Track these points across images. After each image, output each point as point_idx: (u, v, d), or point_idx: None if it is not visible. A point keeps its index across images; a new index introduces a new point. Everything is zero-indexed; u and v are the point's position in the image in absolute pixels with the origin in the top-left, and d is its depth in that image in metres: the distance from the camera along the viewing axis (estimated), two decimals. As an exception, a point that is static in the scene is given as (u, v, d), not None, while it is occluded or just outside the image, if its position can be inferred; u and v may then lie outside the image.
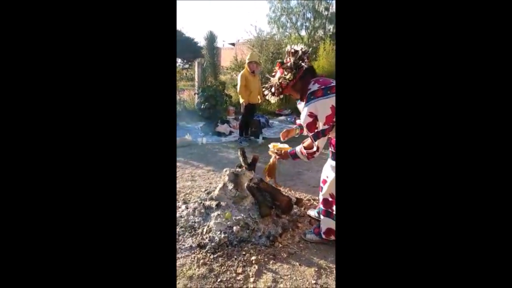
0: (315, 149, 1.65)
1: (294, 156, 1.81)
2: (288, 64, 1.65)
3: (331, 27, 10.36)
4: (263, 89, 1.82)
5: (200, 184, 2.89)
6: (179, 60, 17.93)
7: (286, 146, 2.03)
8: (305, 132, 1.74)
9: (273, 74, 1.78)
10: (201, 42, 8.34)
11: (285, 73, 1.65)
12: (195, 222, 2.06)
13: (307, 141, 1.78)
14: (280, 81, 1.67)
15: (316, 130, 1.58)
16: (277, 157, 2.00)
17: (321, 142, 1.62)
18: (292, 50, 1.66)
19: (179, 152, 3.96)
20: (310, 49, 1.73)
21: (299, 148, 1.78)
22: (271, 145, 2.10)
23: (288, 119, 6.70)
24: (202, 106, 5.71)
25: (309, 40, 9.91)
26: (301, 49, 1.64)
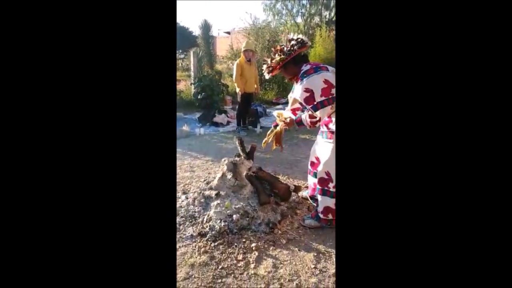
0: (317, 118, 1.86)
1: (300, 123, 1.98)
2: (284, 49, 1.91)
3: (327, 14, 10.20)
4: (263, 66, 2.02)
5: (199, 175, 2.91)
6: (174, 50, 17.66)
7: (289, 113, 2.14)
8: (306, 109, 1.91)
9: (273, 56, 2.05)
10: (196, 31, 8.19)
11: (277, 54, 1.93)
12: (195, 211, 2.08)
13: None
14: (271, 61, 1.95)
15: (314, 103, 1.77)
16: (284, 125, 2.13)
17: (321, 113, 1.79)
18: (290, 38, 1.93)
19: (177, 143, 3.96)
20: (308, 43, 1.93)
21: (304, 116, 1.94)
22: (275, 113, 2.24)
23: (286, 108, 6.67)
24: (198, 96, 5.67)
25: (305, 27, 9.77)
26: (297, 39, 1.90)
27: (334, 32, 7.28)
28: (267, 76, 2.03)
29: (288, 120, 2.08)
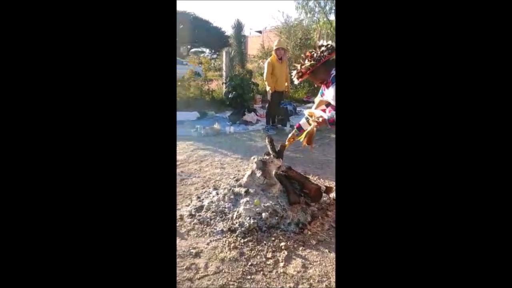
0: None
1: (332, 123, 1.99)
2: (314, 55, 1.99)
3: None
4: (293, 71, 2.07)
5: (228, 172, 2.95)
6: (207, 51, 18.14)
7: (321, 113, 2.12)
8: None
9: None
10: (229, 31, 8.31)
11: (307, 60, 2.00)
12: (225, 207, 2.12)
13: None
14: (301, 67, 2.02)
15: None
16: (317, 125, 2.13)
17: None
18: (320, 45, 2.01)
19: (208, 141, 4.06)
20: None
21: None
22: (306, 112, 2.23)
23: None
24: (229, 95, 5.76)
25: (339, 24, 9.46)
26: (327, 45, 1.96)
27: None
28: (296, 82, 2.11)
29: (320, 119, 2.07)
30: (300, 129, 2.29)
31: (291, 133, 2.35)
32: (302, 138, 2.23)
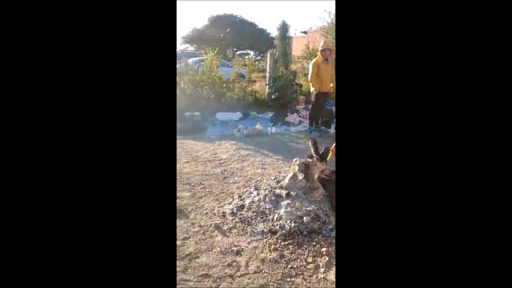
0: None
1: None
2: None
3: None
4: None
5: (269, 172, 2.97)
6: (251, 53, 18.46)
7: None
8: None
9: None
10: (274, 32, 8.35)
11: None
12: (266, 208, 2.14)
13: None
14: None
15: None
16: None
17: None
18: None
19: (250, 141, 4.12)
20: None
21: None
22: None
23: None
24: (272, 96, 5.79)
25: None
26: None
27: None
28: None
29: None
30: None
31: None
32: None
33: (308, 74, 4.60)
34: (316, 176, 2.18)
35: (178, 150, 3.65)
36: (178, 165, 3.11)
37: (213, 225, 1.97)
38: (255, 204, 2.20)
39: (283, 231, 1.87)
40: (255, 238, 1.84)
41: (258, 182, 2.71)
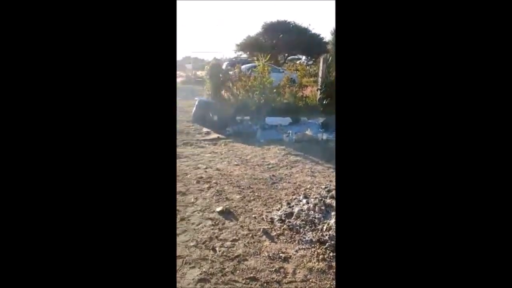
0: None
1: None
2: None
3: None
4: None
5: (319, 181, 2.90)
6: (303, 57, 18.34)
7: None
8: None
9: None
10: (327, 37, 8.18)
11: None
12: (315, 217, 2.09)
13: None
14: None
15: None
16: None
17: None
18: None
19: (299, 146, 4.08)
20: None
21: None
22: None
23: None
24: (324, 102, 5.66)
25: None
26: None
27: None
28: None
29: None
30: None
31: None
32: None
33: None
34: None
35: (229, 153, 3.80)
36: (228, 167, 3.23)
37: (261, 230, 2.00)
38: (304, 212, 2.17)
39: (333, 242, 1.81)
40: (303, 247, 1.81)
41: (307, 190, 2.67)
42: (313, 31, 17.96)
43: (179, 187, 2.65)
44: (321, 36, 17.40)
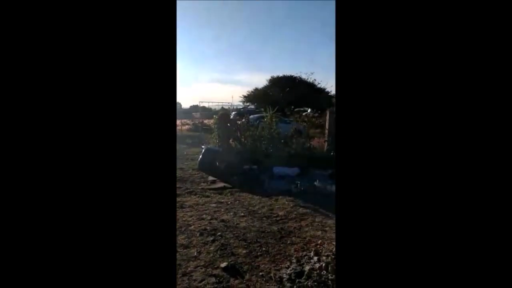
0: None
1: None
2: None
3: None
4: None
5: (331, 236, 2.73)
6: (308, 110, 19.01)
7: None
8: None
9: None
10: (332, 91, 8.54)
11: None
12: (328, 279, 1.91)
13: None
14: None
15: None
16: None
17: None
18: None
19: (308, 198, 3.95)
20: None
21: None
22: None
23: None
24: (331, 153, 5.65)
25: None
26: None
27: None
28: None
29: None
30: None
31: None
32: None
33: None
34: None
35: (235, 203, 3.68)
36: (234, 219, 3.10)
37: (269, 290, 1.81)
38: (315, 272, 1.99)
39: (350, 311, 1.62)
40: (316, 314, 1.62)
41: (318, 246, 2.49)
42: (318, 86, 18.90)
43: (181, 239, 2.52)
44: (326, 89, 18.25)
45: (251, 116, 8.72)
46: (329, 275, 1.94)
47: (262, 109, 7.55)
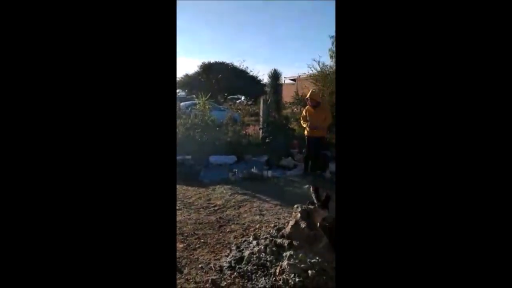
0: None
1: None
2: None
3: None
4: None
5: (268, 219, 2.83)
6: (242, 97, 19.19)
7: None
8: None
9: None
10: (264, 79, 8.76)
11: None
12: (267, 260, 1.98)
13: None
14: None
15: None
16: None
17: None
18: None
19: (246, 185, 4.02)
20: None
21: None
22: None
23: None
24: (266, 140, 5.84)
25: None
26: None
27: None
28: None
29: None
30: None
31: None
32: None
33: (300, 119, 4.75)
34: (319, 224, 2.08)
35: (171, 196, 3.50)
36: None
37: (209, 281, 1.79)
38: (255, 256, 2.04)
39: (287, 287, 1.71)
40: (257, 297, 1.66)
41: (257, 230, 2.56)
42: (251, 74, 19.14)
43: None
44: (259, 78, 18.61)
45: (182, 104, 8.30)
46: (267, 256, 2.01)
47: (194, 96, 7.26)
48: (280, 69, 9.14)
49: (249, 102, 14.44)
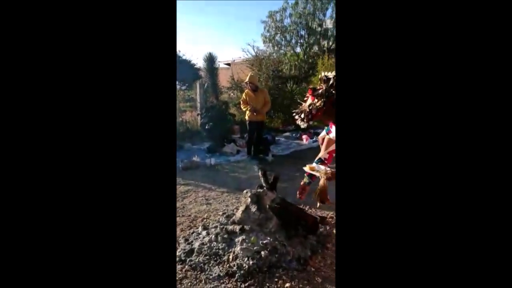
0: None
1: None
2: (320, 91, 1.65)
3: (325, 43, 10.59)
4: (294, 114, 1.80)
5: (216, 208, 2.79)
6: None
7: (322, 167, 2.01)
8: None
9: (304, 99, 1.78)
10: (199, 63, 8.36)
11: (316, 100, 1.65)
12: (219, 248, 1.96)
13: None
14: (310, 108, 1.67)
15: None
16: (326, 179, 1.98)
17: None
18: (325, 77, 1.66)
19: (188, 174, 3.88)
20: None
21: None
22: (306, 168, 2.06)
23: (293, 135, 6.66)
24: (206, 127, 5.68)
25: (305, 56, 10.09)
26: (333, 77, 1.62)
27: (334, 59, 7.47)
28: (302, 126, 1.78)
29: (329, 173, 1.94)
30: (312, 176, 2.09)
31: (302, 183, 2.16)
32: (316, 196, 2.09)
33: (240, 103, 4.73)
34: (268, 206, 2.13)
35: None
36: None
37: (160, 279, 1.68)
38: (206, 246, 1.99)
39: (242, 272, 1.72)
40: (211, 286, 1.64)
41: (205, 220, 2.50)
42: (183, 57, 18.19)
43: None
44: (192, 62, 17.82)
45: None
46: (219, 245, 1.98)
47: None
48: (212, 51, 8.84)
49: (183, 87, 13.76)
